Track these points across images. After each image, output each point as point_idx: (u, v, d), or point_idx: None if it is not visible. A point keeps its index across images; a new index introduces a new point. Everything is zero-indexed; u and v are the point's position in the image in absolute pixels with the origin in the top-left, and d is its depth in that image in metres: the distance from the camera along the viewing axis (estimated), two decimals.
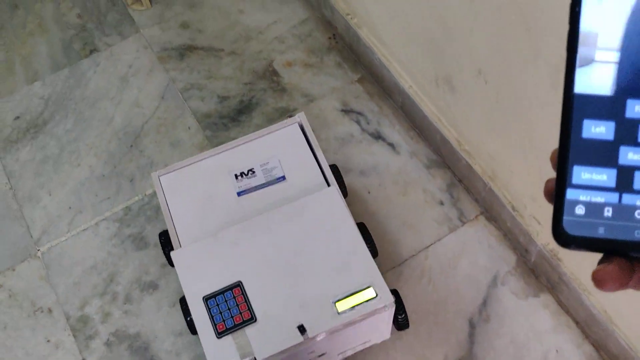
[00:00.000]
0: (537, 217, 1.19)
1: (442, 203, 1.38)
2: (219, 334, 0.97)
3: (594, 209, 0.30)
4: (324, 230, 1.06)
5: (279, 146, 1.17)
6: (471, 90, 1.18)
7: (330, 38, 1.64)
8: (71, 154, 1.47)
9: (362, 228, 1.15)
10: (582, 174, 0.30)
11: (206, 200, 1.11)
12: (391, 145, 1.46)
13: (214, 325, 0.97)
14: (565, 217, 0.30)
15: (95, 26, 1.69)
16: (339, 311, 0.99)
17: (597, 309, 1.14)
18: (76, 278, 1.32)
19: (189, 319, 1.04)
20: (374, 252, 1.14)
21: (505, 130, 1.14)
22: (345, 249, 1.05)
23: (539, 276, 1.27)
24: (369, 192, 1.39)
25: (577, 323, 1.22)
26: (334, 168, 1.20)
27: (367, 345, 1.16)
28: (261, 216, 1.07)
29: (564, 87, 0.30)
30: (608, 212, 0.29)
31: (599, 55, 0.30)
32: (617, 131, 0.29)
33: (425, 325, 1.25)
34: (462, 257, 1.31)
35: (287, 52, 1.62)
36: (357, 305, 0.99)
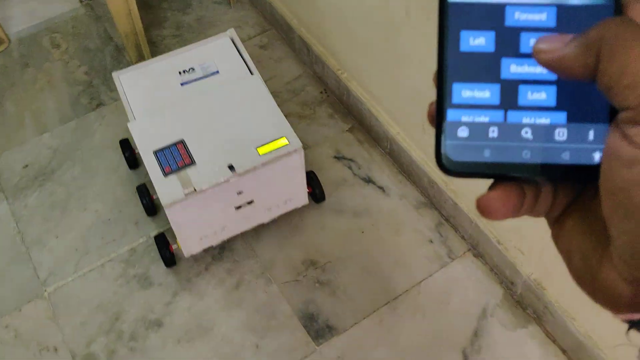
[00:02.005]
0: (521, 248, 1.28)
1: (431, 241, 1.46)
2: (166, 174, 1.24)
3: (478, 130, 0.26)
4: (249, 104, 1.35)
5: (215, 53, 1.46)
6: None
7: (321, 92, 1.76)
8: (78, 200, 1.54)
9: (313, 176, 1.48)
10: (463, 91, 0.27)
11: (156, 89, 1.40)
12: (381, 188, 1.55)
13: (162, 168, 1.24)
14: (448, 142, 0.27)
15: (102, 82, 1.79)
16: (260, 154, 1.27)
17: (582, 335, 1.21)
18: (82, 317, 1.36)
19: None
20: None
21: None
22: (265, 113, 1.34)
23: (526, 308, 1.34)
24: (362, 232, 1.48)
25: (564, 351, 1.29)
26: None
27: (290, 206, 1.42)
28: (200, 96, 1.37)
29: None
30: (493, 132, 0.26)
31: None
32: (498, 42, 0.26)
33: (420, 358, 1.30)
34: (453, 292, 1.39)
35: (282, 105, 1.73)
36: (274, 149, 1.28)
